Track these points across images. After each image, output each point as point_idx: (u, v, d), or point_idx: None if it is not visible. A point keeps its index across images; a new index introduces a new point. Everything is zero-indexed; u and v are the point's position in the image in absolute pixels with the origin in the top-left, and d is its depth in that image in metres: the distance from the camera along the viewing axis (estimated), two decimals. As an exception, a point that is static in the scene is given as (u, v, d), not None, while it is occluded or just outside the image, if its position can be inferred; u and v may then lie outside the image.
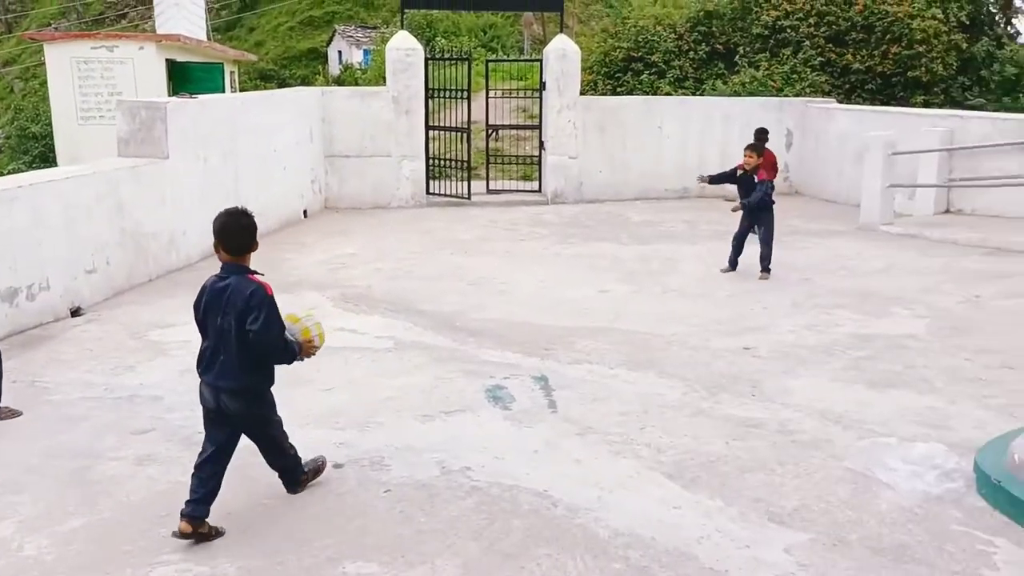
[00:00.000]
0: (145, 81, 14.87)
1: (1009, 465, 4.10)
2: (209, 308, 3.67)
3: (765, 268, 8.49)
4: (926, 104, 16.18)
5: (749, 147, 8.74)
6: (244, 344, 3.60)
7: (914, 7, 16.36)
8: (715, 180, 9.02)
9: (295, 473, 4.05)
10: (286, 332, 3.74)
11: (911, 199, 11.83)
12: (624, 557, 3.56)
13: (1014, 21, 18.70)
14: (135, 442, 4.74)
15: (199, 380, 3.77)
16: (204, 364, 3.72)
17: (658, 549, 3.63)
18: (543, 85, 13.90)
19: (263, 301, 3.58)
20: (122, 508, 4.01)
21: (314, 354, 3.90)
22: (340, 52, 46.13)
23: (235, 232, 3.66)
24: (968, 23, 17.12)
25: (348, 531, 3.77)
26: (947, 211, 11.70)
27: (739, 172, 8.69)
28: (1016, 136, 10.81)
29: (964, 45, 16.77)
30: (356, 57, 42.53)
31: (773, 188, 8.70)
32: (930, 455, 4.47)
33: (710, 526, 3.82)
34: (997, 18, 18.46)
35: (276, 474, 4.05)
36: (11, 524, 3.87)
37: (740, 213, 8.71)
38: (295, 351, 3.76)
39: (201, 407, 3.81)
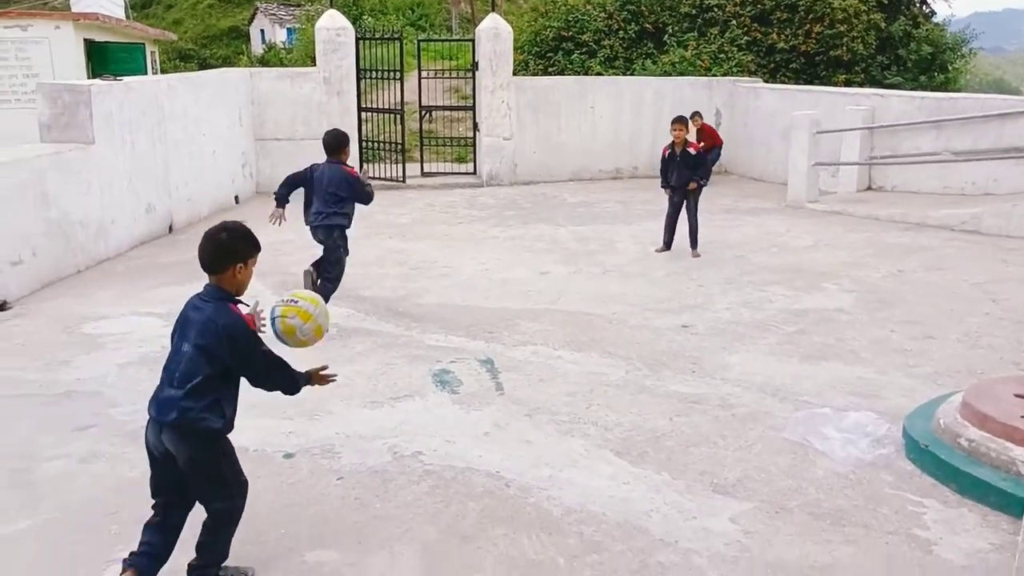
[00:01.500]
0: (63, 62, 14.32)
1: (935, 430, 4.34)
2: (180, 325, 3.19)
3: (695, 244, 8.69)
4: (848, 83, 16.68)
5: (676, 120, 8.71)
6: (203, 377, 3.07)
7: (835, -14, 16.80)
8: (667, 180, 8.79)
9: (210, 560, 3.31)
10: (298, 333, 3.32)
11: (835, 176, 12.24)
12: (578, 533, 3.66)
13: (929, 1, 19.33)
14: (77, 439, 4.63)
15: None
16: (153, 395, 3.18)
17: (610, 524, 3.74)
18: (476, 65, 13.87)
19: (240, 339, 3.08)
20: (69, 508, 3.93)
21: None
22: (263, 31, 45.04)
23: (204, 248, 3.19)
24: (886, 2, 17.67)
25: (304, 521, 3.78)
26: (869, 188, 12.14)
27: (666, 154, 8.77)
28: (933, 114, 11.26)
29: (882, 24, 17.32)
30: (279, 36, 41.59)
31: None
32: (862, 423, 4.69)
33: (658, 499, 3.95)
34: (913, -2, 19.10)
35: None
36: (-48, 528, 3.76)
37: (670, 192, 8.82)
38: (291, 379, 3.24)
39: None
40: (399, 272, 8.18)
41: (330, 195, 6.50)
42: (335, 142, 6.62)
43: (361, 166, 13.55)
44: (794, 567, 3.41)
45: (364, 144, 13.69)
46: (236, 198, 12.18)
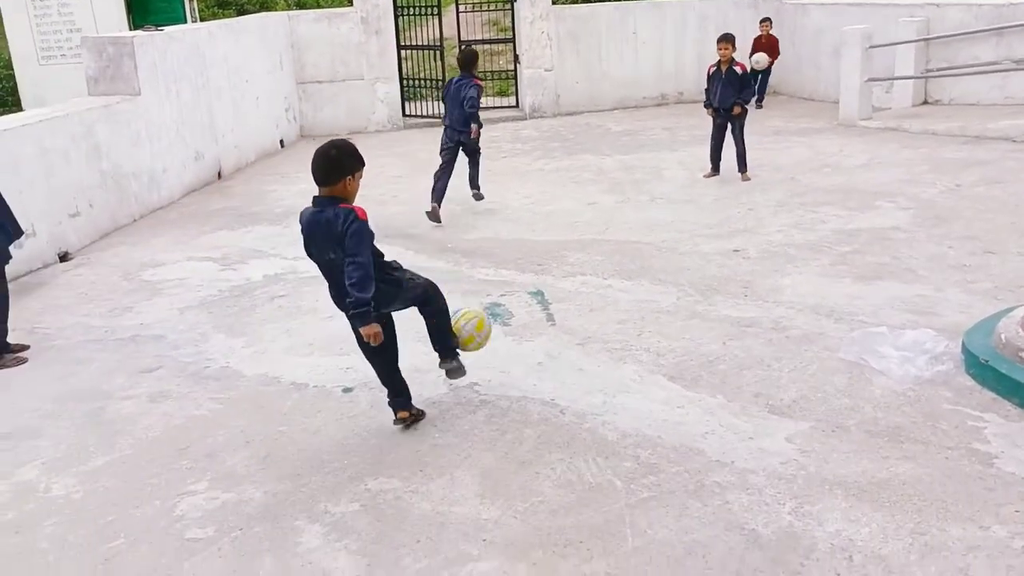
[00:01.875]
0: (104, 15, 14.38)
1: (996, 344, 4.26)
2: (311, 241, 3.68)
3: (743, 167, 8.53)
4: (901, -7, 15.97)
5: (722, 38, 8.49)
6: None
7: None
8: (710, 100, 8.67)
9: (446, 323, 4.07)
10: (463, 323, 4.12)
11: (888, 92, 11.84)
12: (634, 456, 3.71)
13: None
14: (145, 381, 4.81)
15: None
16: (333, 298, 3.81)
17: (666, 446, 3.78)
18: (514, -4, 13.61)
19: (353, 222, 3.54)
20: (142, 445, 4.11)
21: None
22: (299, -27, 44.57)
23: (317, 164, 3.61)
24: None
25: (366, 450, 3.89)
26: (925, 102, 11.72)
27: (711, 71, 8.60)
28: (992, 22, 10.76)
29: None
30: (316, -23, 41.15)
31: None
32: (920, 340, 4.61)
33: (713, 422, 3.97)
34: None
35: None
36: (35, 467, 3.96)
37: (713, 114, 8.65)
38: (368, 301, 3.59)
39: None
40: (446, 209, 8.17)
41: (461, 103, 7.68)
42: (464, 59, 7.86)
43: (403, 104, 13.54)
44: (852, 483, 3.42)
45: (405, 82, 13.61)
46: (281, 142, 12.26)
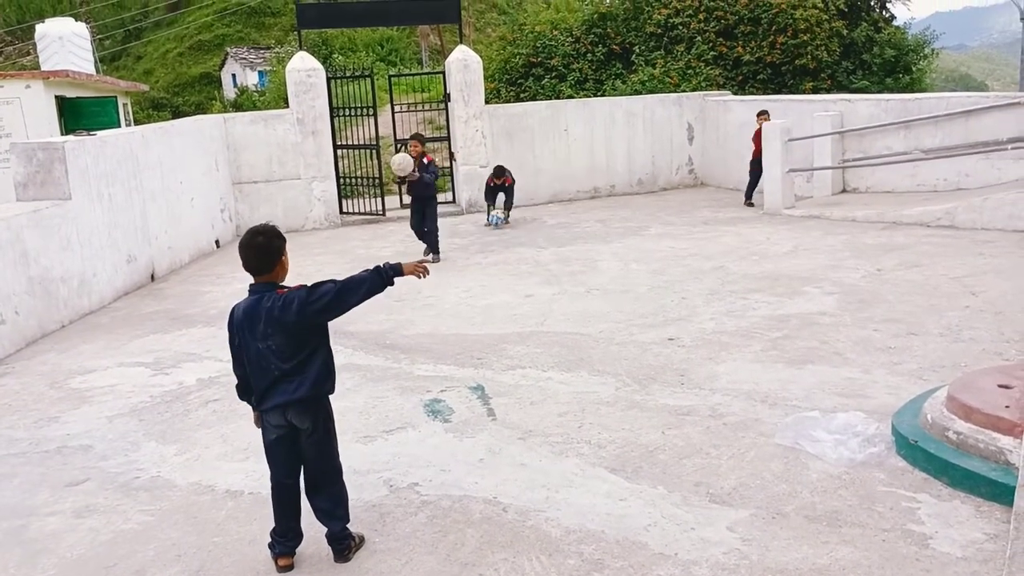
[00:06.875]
0: (35, 120, 14.31)
1: (923, 425, 4.39)
2: (245, 329, 3.54)
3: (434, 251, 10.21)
4: (815, 90, 16.93)
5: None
6: (310, 354, 3.57)
7: (795, -2, 17.09)
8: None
9: (345, 507, 3.80)
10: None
11: (809, 181, 12.40)
12: (578, 553, 3.68)
13: (888, 6, 19.68)
14: (70, 495, 4.61)
15: (257, 412, 3.66)
16: (261, 392, 3.58)
17: (609, 541, 3.76)
18: (448, 96, 13.99)
19: (294, 294, 3.52)
20: (66, 564, 3.91)
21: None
22: (234, 75, 45.22)
23: (249, 256, 3.56)
24: (847, 10, 18.00)
25: (304, 560, 3.77)
26: (843, 190, 12.29)
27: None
28: (900, 115, 11.45)
29: (845, 31, 17.61)
30: (251, 79, 41.76)
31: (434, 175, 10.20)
32: (851, 423, 4.73)
33: (656, 513, 3.97)
34: (872, 3, 19.43)
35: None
36: (-51, 593, 3.73)
37: None
38: (372, 286, 3.63)
39: (263, 439, 3.67)
40: (384, 305, 8.18)
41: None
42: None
43: (340, 202, 13.65)
44: (793, 571, 3.44)
45: (342, 180, 13.75)
46: (216, 242, 12.19)
